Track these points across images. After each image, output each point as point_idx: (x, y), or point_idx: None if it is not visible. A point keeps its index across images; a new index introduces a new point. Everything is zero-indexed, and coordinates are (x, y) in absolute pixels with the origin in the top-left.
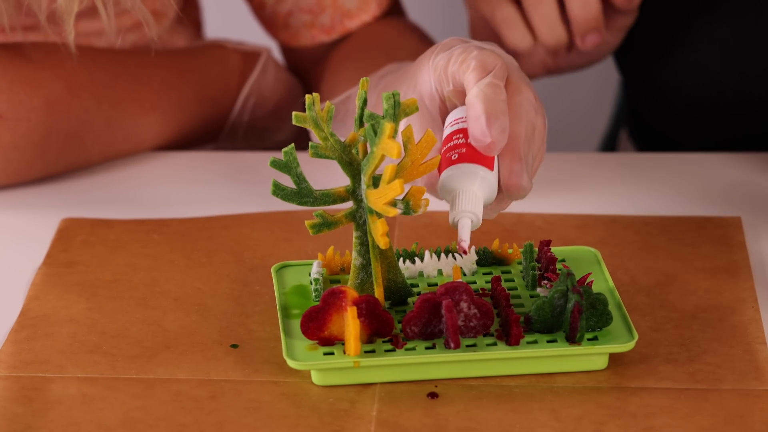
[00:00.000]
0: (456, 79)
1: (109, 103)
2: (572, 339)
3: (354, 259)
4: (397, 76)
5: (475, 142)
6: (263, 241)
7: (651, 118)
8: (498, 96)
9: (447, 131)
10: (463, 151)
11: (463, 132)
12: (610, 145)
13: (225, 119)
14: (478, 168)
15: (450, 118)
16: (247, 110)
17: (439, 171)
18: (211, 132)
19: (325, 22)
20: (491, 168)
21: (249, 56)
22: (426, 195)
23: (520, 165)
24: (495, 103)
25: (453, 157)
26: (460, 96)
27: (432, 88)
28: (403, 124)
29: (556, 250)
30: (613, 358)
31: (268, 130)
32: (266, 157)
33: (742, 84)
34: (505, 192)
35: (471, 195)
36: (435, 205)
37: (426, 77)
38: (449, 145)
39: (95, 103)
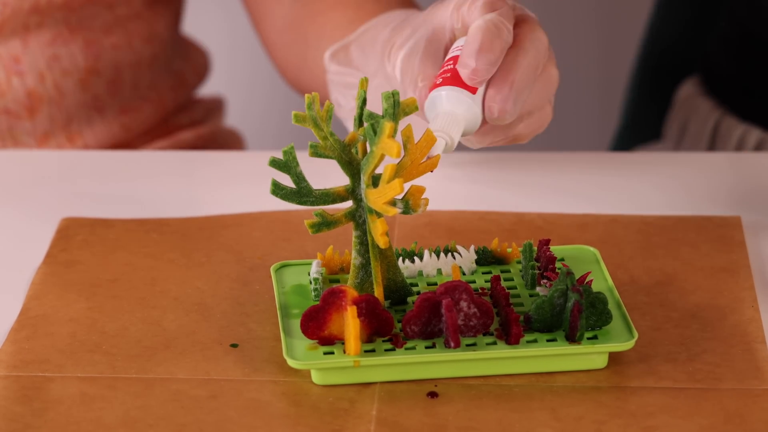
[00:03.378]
0: (465, 19)
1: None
2: (572, 338)
3: (353, 258)
4: (413, 17)
5: (460, 67)
6: (263, 240)
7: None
8: (500, 29)
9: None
10: (448, 75)
11: (455, 60)
12: (618, 144)
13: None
14: (460, 91)
15: (452, 47)
16: None
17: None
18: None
19: None
20: (473, 92)
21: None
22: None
23: (509, 91)
24: (494, 35)
25: (438, 81)
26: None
27: (447, 24)
28: (402, 124)
29: (555, 249)
30: (613, 358)
31: None
32: (266, 156)
33: None
34: (486, 114)
35: (449, 117)
36: (434, 204)
37: (443, 13)
38: (440, 71)
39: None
